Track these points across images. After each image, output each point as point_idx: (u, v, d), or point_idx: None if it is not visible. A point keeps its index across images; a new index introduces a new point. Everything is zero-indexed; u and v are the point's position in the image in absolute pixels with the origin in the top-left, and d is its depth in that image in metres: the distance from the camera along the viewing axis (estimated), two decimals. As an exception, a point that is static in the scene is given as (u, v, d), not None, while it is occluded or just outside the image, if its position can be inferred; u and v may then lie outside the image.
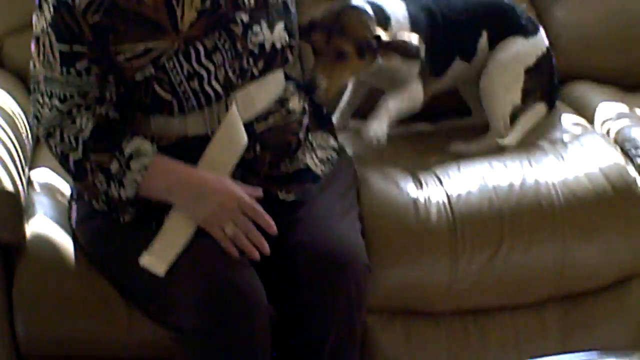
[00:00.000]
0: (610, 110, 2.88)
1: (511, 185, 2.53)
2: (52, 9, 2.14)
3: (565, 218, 2.50)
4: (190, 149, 2.24)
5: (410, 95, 2.61)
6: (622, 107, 2.89)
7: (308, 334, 2.22)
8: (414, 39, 2.46)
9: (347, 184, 2.45)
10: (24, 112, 2.69)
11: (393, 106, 2.58)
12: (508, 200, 2.50)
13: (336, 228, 2.27)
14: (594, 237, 2.52)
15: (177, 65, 2.18)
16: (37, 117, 2.23)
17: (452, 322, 2.54)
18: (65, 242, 2.33)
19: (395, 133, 2.70)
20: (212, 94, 2.22)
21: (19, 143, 2.52)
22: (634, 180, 2.57)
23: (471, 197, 2.51)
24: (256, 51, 2.26)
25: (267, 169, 2.30)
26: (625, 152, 2.67)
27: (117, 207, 2.24)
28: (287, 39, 2.32)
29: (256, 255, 2.17)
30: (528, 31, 2.73)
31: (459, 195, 2.51)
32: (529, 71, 2.73)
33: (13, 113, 2.62)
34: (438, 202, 2.50)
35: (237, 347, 2.10)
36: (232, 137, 2.24)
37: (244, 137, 2.24)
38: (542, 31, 2.79)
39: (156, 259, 2.15)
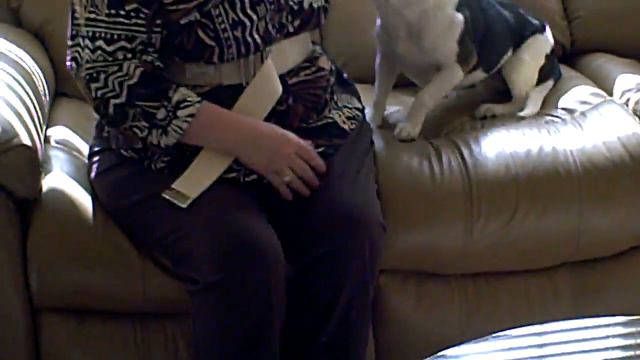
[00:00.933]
0: (629, 81, 2.86)
1: (529, 152, 2.52)
2: None
3: (582, 185, 2.50)
4: (224, 98, 2.25)
5: (451, 78, 2.61)
6: (641, 79, 2.88)
7: (321, 290, 2.22)
8: (452, 41, 2.55)
9: (366, 146, 2.45)
10: (42, 71, 2.70)
11: (430, 100, 2.59)
12: (525, 167, 2.50)
13: (354, 187, 2.29)
14: (611, 205, 2.52)
15: (222, 12, 2.20)
16: (76, 60, 2.21)
17: (465, 284, 2.54)
18: (81, 197, 2.33)
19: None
20: (251, 44, 2.24)
21: (37, 100, 2.53)
22: (652, 149, 2.57)
23: (488, 162, 2.50)
24: (296, 8, 2.28)
25: (298, 122, 2.31)
26: (643, 122, 2.67)
27: (147, 153, 2.25)
28: (323, 1, 2.35)
29: (308, 192, 2.23)
30: (543, 28, 2.82)
31: (475, 160, 2.50)
32: (546, 57, 2.80)
33: (31, 71, 2.63)
34: (454, 167, 2.50)
35: (253, 302, 2.11)
36: (267, 86, 2.26)
37: (278, 87, 2.27)
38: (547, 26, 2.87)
39: (181, 191, 2.19)
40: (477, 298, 2.55)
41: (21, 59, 2.63)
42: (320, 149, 2.31)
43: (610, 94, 2.84)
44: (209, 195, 2.19)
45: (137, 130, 2.19)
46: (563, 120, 2.67)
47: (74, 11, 2.21)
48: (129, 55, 2.18)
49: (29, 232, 2.29)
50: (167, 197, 2.18)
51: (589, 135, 2.58)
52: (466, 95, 2.80)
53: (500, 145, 2.54)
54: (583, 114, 2.68)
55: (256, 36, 2.23)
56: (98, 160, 2.37)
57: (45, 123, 2.58)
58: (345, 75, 2.56)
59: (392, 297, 2.51)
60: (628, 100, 2.78)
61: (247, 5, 2.21)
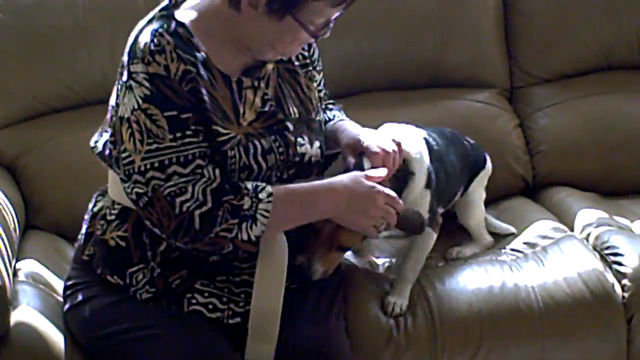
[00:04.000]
0: (589, 216, 2.93)
1: (491, 289, 2.57)
2: (147, 84, 2.16)
3: (544, 322, 2.54)
4: None
5: (427, 245, 2.61)
6: (601, 214, 2.94)
7: None
8: (424, 212, 2.51)
9: (337, 283, 2.50)
10: (12, 204, 2.73)
11: (412, 275, 2.58)
12: (487, 304, 2.54)
13: (324, 323, 2.33)
14: (572, 341, 2.56)
15: (237, 155, 2.24)
16: (142, 195, 2.19)
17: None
18: (49, 331, 2.33)
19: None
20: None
21: (7, 235, 2.53)
22: (612, 286, 2.61)
23: (452, 299, 2.55)
24: (297, 160, 2.34)
25: None
26: (603, 258, 2.71)
27: (133, 281, 2.28)
28: (319, 156, 2.40)
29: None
30: (485, 163, 2.87)
31: (439, 299, 2.55)
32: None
33: (1, 206, 2.64)
34: (418, 306, 2.54)
35: None
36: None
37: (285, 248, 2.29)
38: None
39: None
40: None
41: (-9, 193, 2.66)
42: (294, 286, 2.35)
43: (572, 229, 2.91)
44: (186, 334, 2.22)
45: (224, 234, 2.18)
46: (525, 255, 2.72)
47: (122, 150, 2.20)
48: (204, 164, 2.20)
49: (-3, 369, 2.29)
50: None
51: (550, 271, 2.63)
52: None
53: (463, 282, 2.59)
54: (544, 249, 2.74)
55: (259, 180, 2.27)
56: (76, 292, 2.38)
57: (14, 257, 2.59)
58: None
59: None
60: (589, 235, 2.84)
61: (259, 152, 2.27)
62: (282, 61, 2.37)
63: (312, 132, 2.39)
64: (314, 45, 2.47)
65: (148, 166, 2.16)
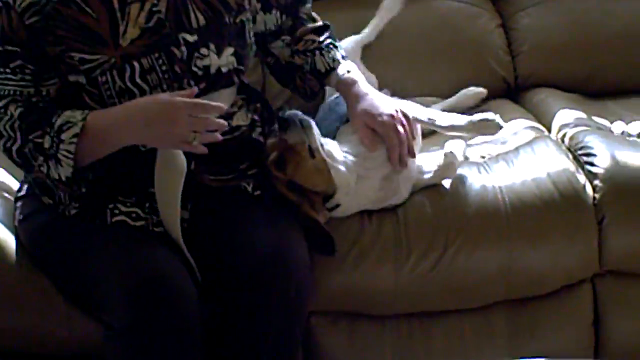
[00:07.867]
0: (567, 116, 2.87)
1: (457, 190, 2.51)
2: None
3: (511, 224, 2.49)
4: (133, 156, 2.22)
5: None
6: (580, 114, 2.88)
7: (246, 333, 2.19)
8: None
9: None
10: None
11: None
12: (454, 206, 2.49)
13: (280, 229, 2.28)
14: (540, 243, 2.50)
15: (109, 80, 2.17)
16: None
17: (397, 324, 2.53)
18: (6, 239, 2.33)
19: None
20: None
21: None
22: (583, 186, 2.55)
23: (416, 201, 2.50)
24: (200, 73, 2.25)
25: (211, 179, 2.31)
26: (576, 159, 2.65)
27: (62, 199, 2.25)
28: (235, 64, 2.31)
29: (220, 137, 2.13)
30: None
31: (404, 200, 2.50)
32: None
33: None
34: (385, 208, 2.49)
35: (167, 345, 2.09)
36: (171, 161, 2.22)
37: (182, 160, 2.21)
38: None
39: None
40: (410, 338, 2.54)
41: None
42: (257, 192, 2.33)
43: (549, 129, 2.85)
44: (119, 239, 2.20)
45: (43, 169, 2.16)
46: (496, 156, 2.66)
47: None
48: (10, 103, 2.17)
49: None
50: None
51: (519, 172, 2.57)
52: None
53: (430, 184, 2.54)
54: (517, 149, 2.68)
55: None
56: (22, 206, 2.36)
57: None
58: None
59: (323, 337, 2.50)
60: (564, 135, 2.78)
61: (137, 73, 2.18)
62: None
63: (222, 39, 2.27)
64: None
65: None
